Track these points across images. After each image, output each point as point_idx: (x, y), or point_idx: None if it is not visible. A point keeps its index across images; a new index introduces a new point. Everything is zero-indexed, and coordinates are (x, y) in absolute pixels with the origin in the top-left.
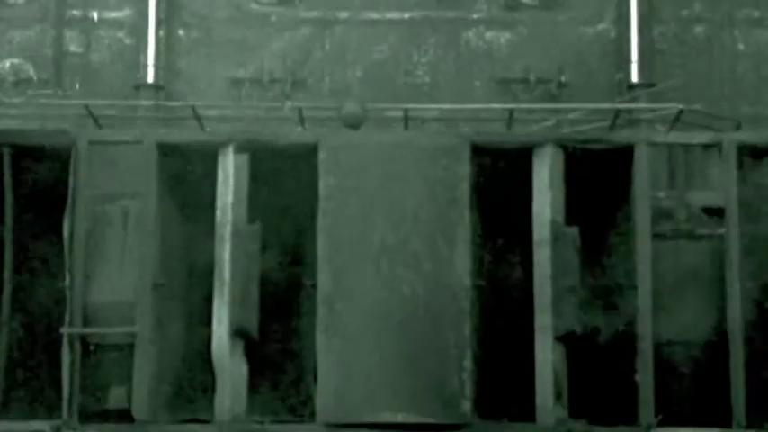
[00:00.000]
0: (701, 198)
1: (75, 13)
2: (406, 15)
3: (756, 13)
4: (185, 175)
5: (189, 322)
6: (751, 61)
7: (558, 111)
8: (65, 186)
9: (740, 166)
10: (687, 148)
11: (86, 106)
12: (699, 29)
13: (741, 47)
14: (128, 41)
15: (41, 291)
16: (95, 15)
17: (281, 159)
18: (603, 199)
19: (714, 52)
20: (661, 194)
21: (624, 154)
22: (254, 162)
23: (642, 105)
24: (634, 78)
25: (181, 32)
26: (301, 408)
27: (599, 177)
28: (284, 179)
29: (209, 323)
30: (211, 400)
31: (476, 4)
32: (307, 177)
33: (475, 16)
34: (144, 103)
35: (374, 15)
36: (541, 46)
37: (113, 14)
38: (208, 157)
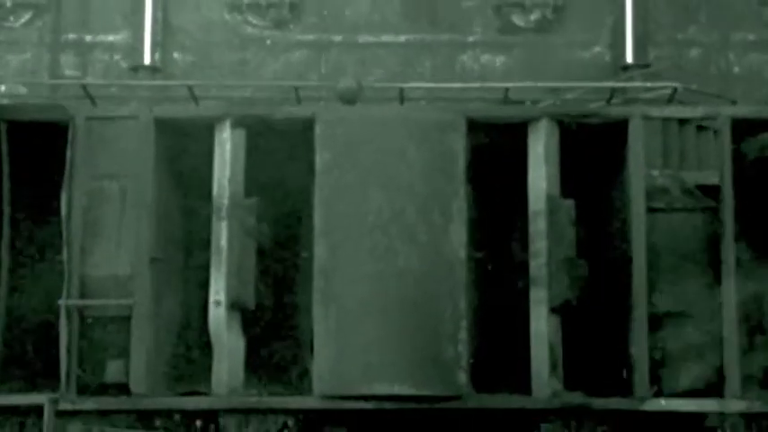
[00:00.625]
0: (695, 177)
1: (71, 36)
2: (402, 38)
3: (751, 36)
4: (182, 150)
5: (186, 296)
6: (746, 84)
7: (554, 90)
8: (62, 162)
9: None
10: (681, 128)
11: (83, 86)
12: (694, 52)
13: (736, 70)
14: (123, 65)
15: (39, 266)
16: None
17: (278, 134)
18: (600, 173)
19: (709, 75)
20: (655, 173)
21: (620, 129)
22: (250, 137)
23: (638, 84)
24: (629, 59)
25: (176, 55)
26: (298, 382)
27: (595, 152)
28: (281, 154)
29: (206, 297)
30: (209, 374)
31: (471, 27)
32: (303, 152)
33: (470, 39)
34: (141, 83)
35: (369, 38)
36: (537, 69)
37: (109, 38)
38: (205, 133)
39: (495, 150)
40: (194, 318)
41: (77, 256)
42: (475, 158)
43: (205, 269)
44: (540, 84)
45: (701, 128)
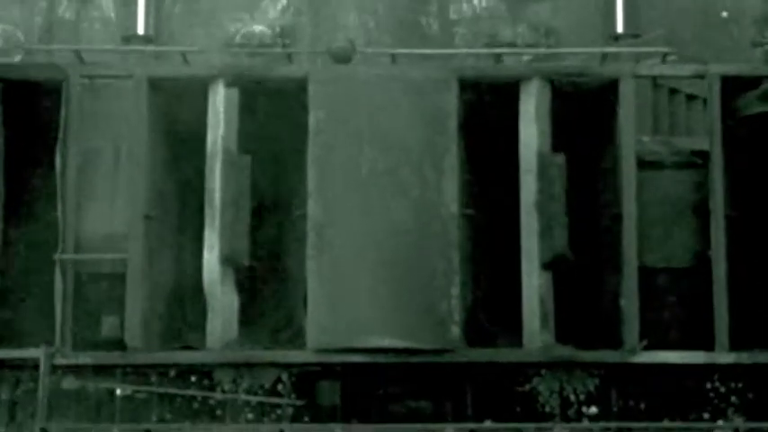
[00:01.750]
0: (685, 142)
1: None
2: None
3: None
4: (176, 110)
5: (180, 253)
6: None
7: (546, 56)
8: (56, 121)
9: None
10: (671, 97)
11: (77, 51)
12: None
13: None
14: None
15: (34, 223)
16: None
17: (271, 94)
18: (592, 132)
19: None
20: (646, 139)
21: (611, 90)
22: (244, 97)
23: (629, 49)
24: (619, 29)
25: None
26: (293, 340)
27: (588, 113)
28: (274, 113)
29: (200, 254)
30: (203, 330)
31: (464, 61)
32: (296, 111)
33: None
34: (135, 48)
35: None
36: None
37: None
38: (198, 92)
39: (487, 108)
40: (189, 275)
41: (73, 214)
42: (467, 115)
43: (199, 227)
44: (532, 50)
45: (690, 97)
